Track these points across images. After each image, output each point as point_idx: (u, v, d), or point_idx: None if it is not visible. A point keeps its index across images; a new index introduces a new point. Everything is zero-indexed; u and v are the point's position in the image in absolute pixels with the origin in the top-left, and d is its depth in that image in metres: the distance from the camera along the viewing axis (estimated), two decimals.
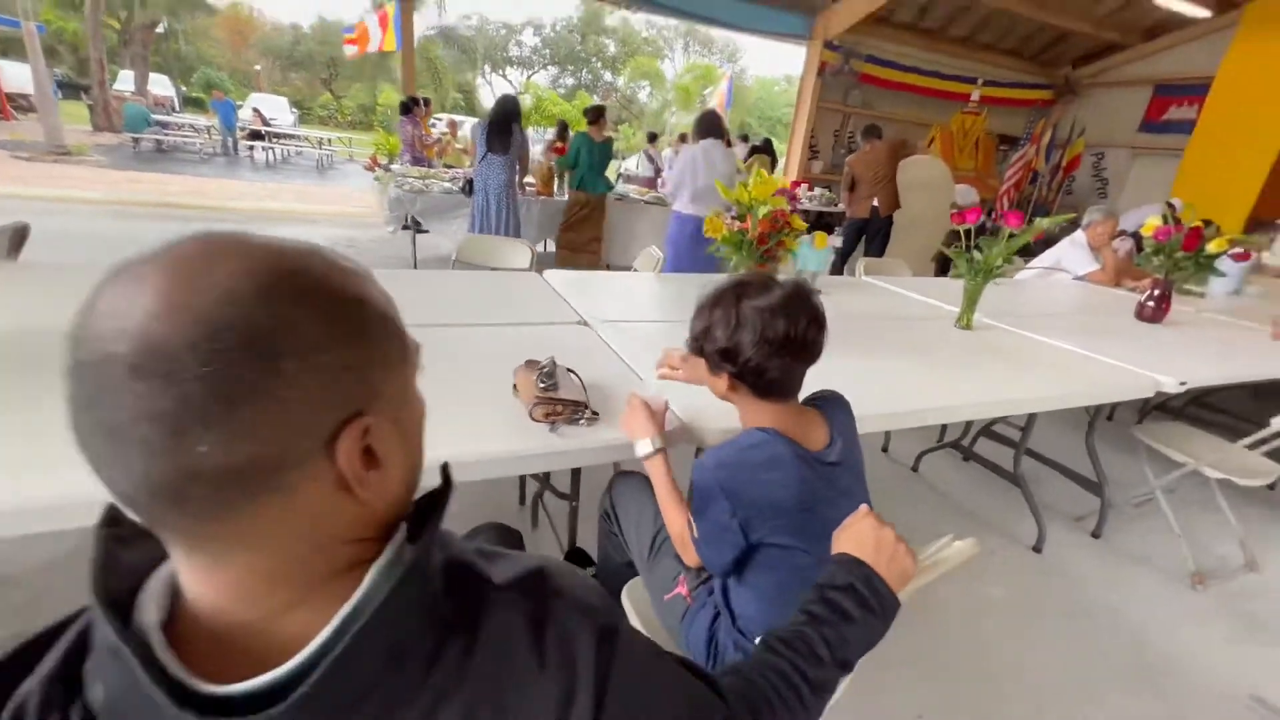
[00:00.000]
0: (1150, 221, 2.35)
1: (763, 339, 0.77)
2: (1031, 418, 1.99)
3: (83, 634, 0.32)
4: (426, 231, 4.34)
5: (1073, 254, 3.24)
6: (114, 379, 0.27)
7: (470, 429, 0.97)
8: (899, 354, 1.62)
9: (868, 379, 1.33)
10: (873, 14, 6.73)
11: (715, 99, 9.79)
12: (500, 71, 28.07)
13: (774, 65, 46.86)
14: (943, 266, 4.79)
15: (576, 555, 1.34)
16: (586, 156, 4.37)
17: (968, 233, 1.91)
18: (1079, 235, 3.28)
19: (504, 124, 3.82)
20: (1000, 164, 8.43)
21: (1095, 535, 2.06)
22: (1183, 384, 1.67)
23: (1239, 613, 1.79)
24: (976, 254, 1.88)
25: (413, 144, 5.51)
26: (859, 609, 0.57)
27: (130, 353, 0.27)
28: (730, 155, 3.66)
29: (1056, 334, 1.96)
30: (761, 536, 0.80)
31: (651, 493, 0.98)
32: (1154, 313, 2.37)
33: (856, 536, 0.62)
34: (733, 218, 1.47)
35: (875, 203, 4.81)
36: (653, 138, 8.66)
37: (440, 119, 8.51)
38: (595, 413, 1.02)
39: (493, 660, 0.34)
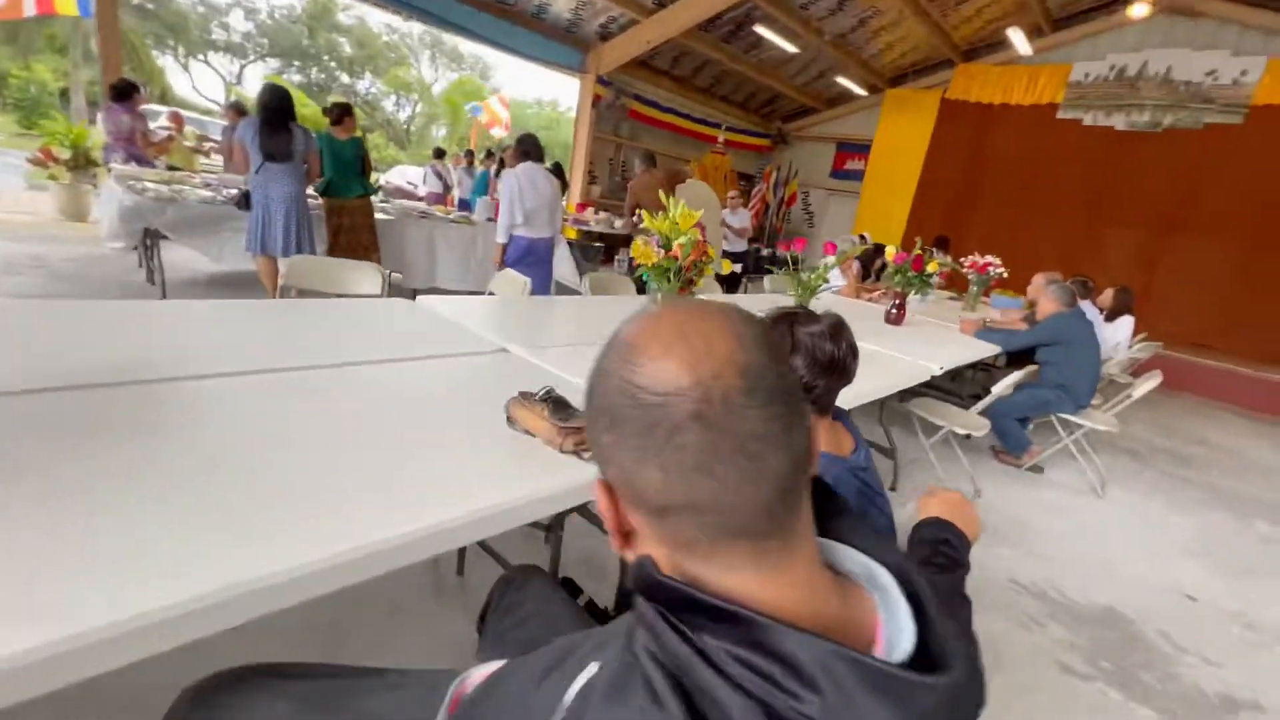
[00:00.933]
0: (889, 250, 3.14)
1: (814, 360, 0.91)
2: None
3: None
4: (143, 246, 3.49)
5: (831, 274, 4.09)
6: (735, 405, 0.33)
7: (490, 476, 0.90)
8: None
9: None
10: (636, 58, 7.48)
11: (486, 116, 9.71)
12: (201, 56, 23.44)
13: (525, 87, 47.83)
14: (728, 284, 5.55)
15: (569, 585, 1.30)
16: (331, 159, 3.77)
17: (794, 259, 2.34)
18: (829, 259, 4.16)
19: (278, 123, 3.26)
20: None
21: (893, 489, 2.69)
22: (941, 367, 2.30)
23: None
24: (803, 275, 2.31)
25: (130, 138, 4.34)
26: (954, 555, 0.74)
27: (740, 380, 0.33)
28: (552, 178, 3.75)
29: (874, 339, 2.51)
30: None
31: None
32: (897, 318, 3.17)
33: (943, 504, 0.80)
34: (658, 246, 1.59)
35: None
36: (439, 154, 8.25)
37: (156, 110, 6.85)
38: None
39: None
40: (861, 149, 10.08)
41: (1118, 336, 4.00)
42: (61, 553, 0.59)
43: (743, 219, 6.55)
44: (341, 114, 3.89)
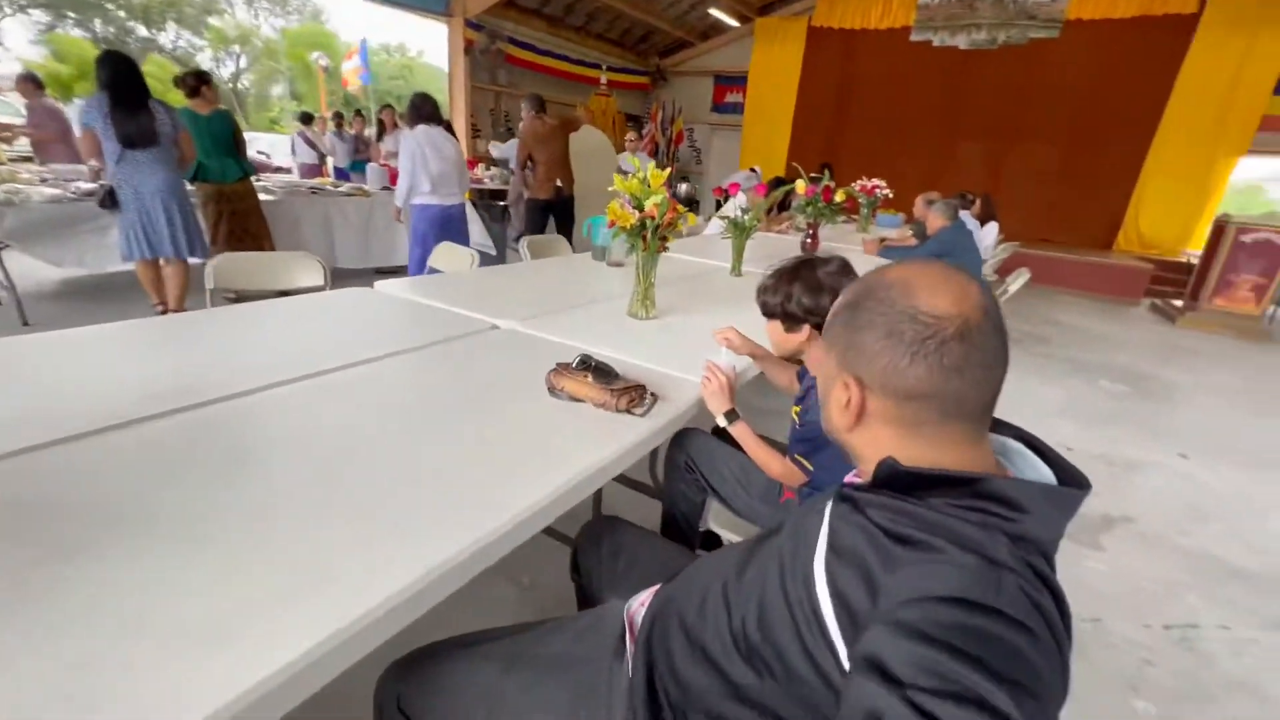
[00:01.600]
0: (799, 183, 3.37)
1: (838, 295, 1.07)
2: None
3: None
4: None
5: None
6: (984, 331, 0.48)
7: (557, 451, 0.98)
8: (715, 305, 2.07)
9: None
10: None
11: (351, 73, 8.82)
12: None
13: (371, 33, 42.96)
14: None
15: (711, 539, 1.40)
16: (199, 138, 3.32)
17: (725, 198, 2.49)
18: (742, 197, 4.35)
19: (134, 100, 2.78)
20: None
21: None
22: None
23: None
24: (743, 215, 2.46)
25: None
26: None
27: (984, 317, 0.49)
28: (452, 139, 3.58)
29: None
30: None
31: (717, 441, 1.20)
32: (812, 247, 3.44)
33: None
34: (634, 208, 1.64)
35: (559, 182, 4.69)
36: (307, 119, 7.39)
37: None
38: (654, 394, 1.14)
39: None
40: (739, 81, 10.27)
41: (987, 240, 4.59)
42: (290, 576, 0.62)
43: (639, 158, 6.43)
44: (198, 84, 3.41)
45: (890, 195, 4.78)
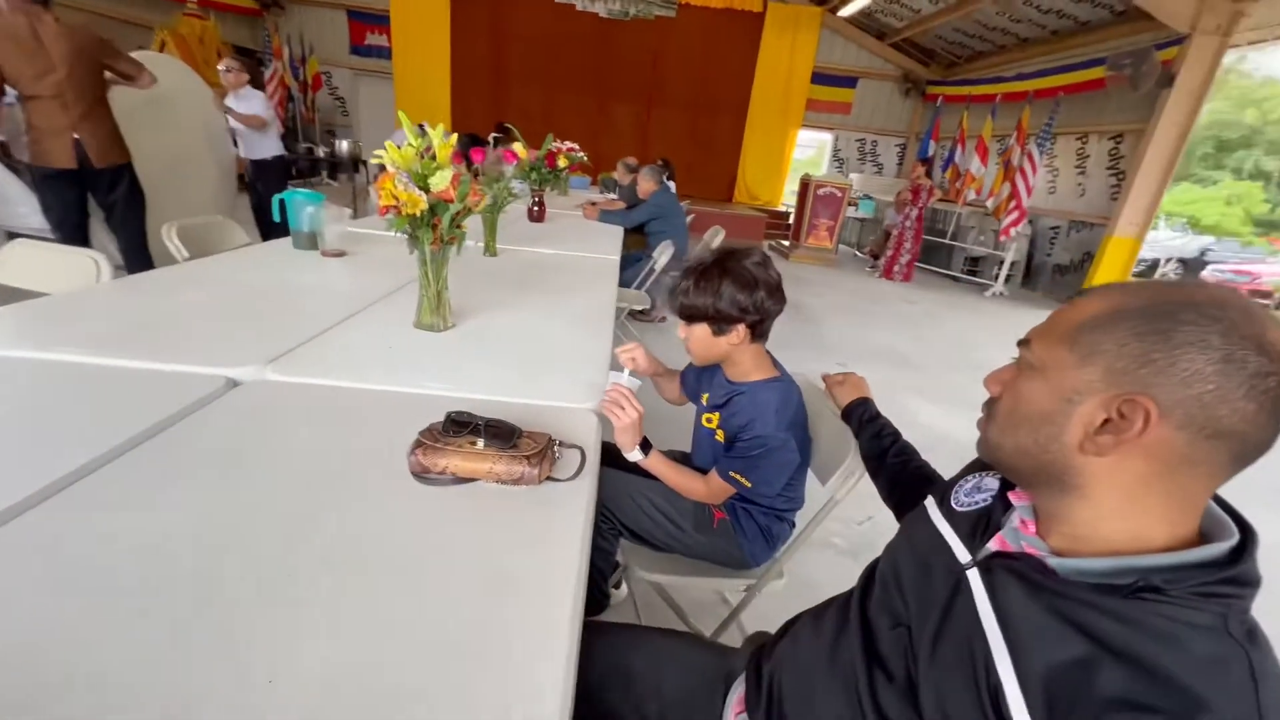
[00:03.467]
0: (518, 146, 3.12)
1: (771, 289, 0.96)
2: None
3: None
4: None
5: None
6: None
7: (503, 587, 0.68)
8: (506, 294, 1.79)
9: (553, 315, 1.52)
10: None
11: None
12: None
13: None
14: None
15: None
16: None
17: (475, 171, 2.13)
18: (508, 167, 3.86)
19: None
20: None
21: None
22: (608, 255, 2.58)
23: None
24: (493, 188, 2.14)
25: None
26: (884, 420, 0.99)
27: None
28: None
29: (542, 244, 2.53)
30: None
31: (623, 474, 1.01)
32: (539, 215, 3.28)
33: (855, 386, 1.01)
34: (417, 189, 1.18)
35: (77, 136, 2.62)
36: None
37: None
38: (561, 443, 0.88)
39: None
40: (380, 20, 9.03)
41: None
42: None
43: (254, 102, 4.22)
44: None
45: (585, 158, 4.89)
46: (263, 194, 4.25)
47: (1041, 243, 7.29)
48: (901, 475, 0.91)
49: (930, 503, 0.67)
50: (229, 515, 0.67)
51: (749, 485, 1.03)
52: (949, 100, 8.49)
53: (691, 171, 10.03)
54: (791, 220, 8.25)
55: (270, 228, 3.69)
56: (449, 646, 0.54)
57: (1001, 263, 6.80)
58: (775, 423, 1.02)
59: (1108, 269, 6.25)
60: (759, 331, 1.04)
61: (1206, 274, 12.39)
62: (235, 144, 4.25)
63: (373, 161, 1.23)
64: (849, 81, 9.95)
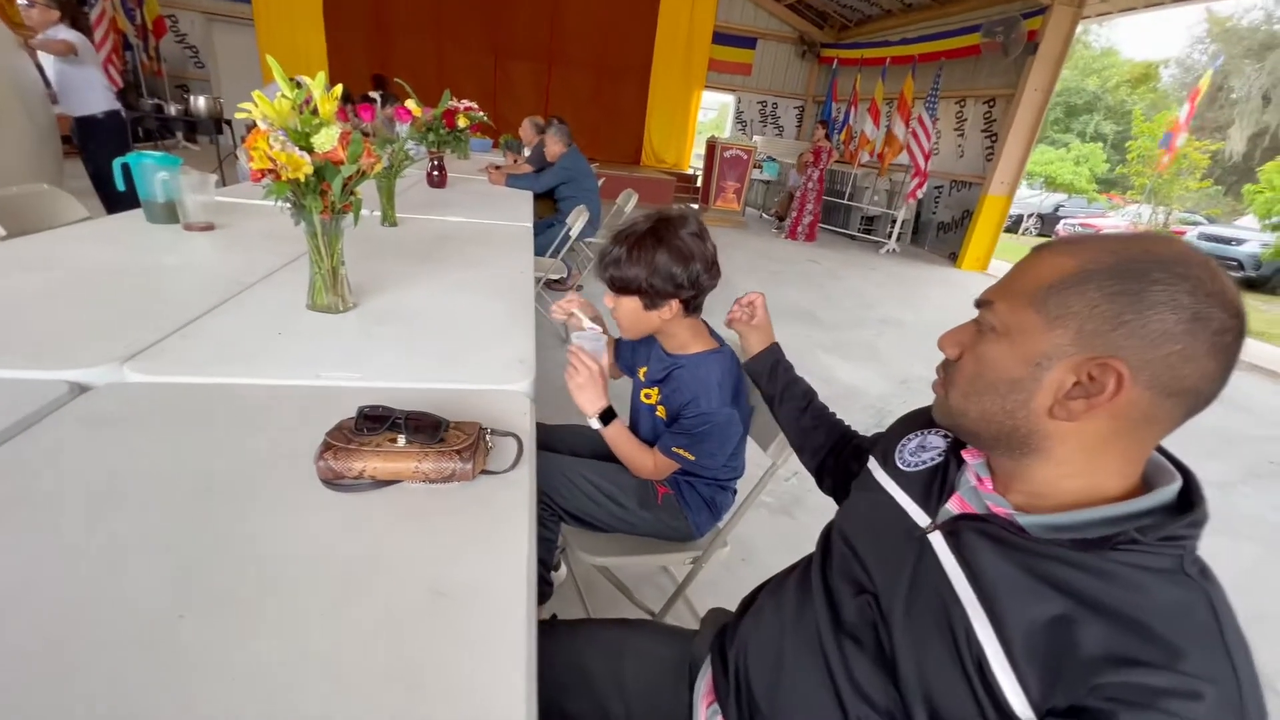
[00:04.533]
0: (411, 104, 2.85)
1: (709, 263, 0.90)
2: None
3: None
4: None
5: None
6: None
7: (452, 603, 0.61)
8: (415, 268, 1.64)
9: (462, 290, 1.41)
10: None
11: None
12: None
13: None
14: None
15: None
16: None
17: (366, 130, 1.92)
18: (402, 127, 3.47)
19: None
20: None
21: None
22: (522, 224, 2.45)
23: None
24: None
25: None
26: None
27: None
28: None
29: (447, 211, 2.35)
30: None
31: (559, 455, 0.94)
32: (440, 180, 3.04)
33: (764, 330, 1.00)
34: (298, 149, 1.00)
35: None
36: None
37: None
38: (491, 430, 0.80)
39: None
40: None
41: None
42: None
43: (66, 33, 3.42)
44: None
45: (485, 118, 4.59)
46: (98, 159, 3.62)
47: (927, 202, 7.81)
48: (821, 439, 0.91)
49: (874, 464, 0.67)
50: (87, 556, 0.55)
51: (693, 459, 1.00)
52: (844, 63, 8.77)
53: (598, 134, 9.76)
54: (700, 183, 8.29)
55: (115, 199, 3.18)
56: (384, 678, 0.47)
57: (894, 221, 7.23)
58: (719, 397, 0.99)
59: (984, 225, 6.82)
60: (692, 306, 1.00)
61: (1060, 228, 13.92)
62: (55, 100, 3.56)
63: (238, 117, 1.04)
64: (749, 42, 10.01)
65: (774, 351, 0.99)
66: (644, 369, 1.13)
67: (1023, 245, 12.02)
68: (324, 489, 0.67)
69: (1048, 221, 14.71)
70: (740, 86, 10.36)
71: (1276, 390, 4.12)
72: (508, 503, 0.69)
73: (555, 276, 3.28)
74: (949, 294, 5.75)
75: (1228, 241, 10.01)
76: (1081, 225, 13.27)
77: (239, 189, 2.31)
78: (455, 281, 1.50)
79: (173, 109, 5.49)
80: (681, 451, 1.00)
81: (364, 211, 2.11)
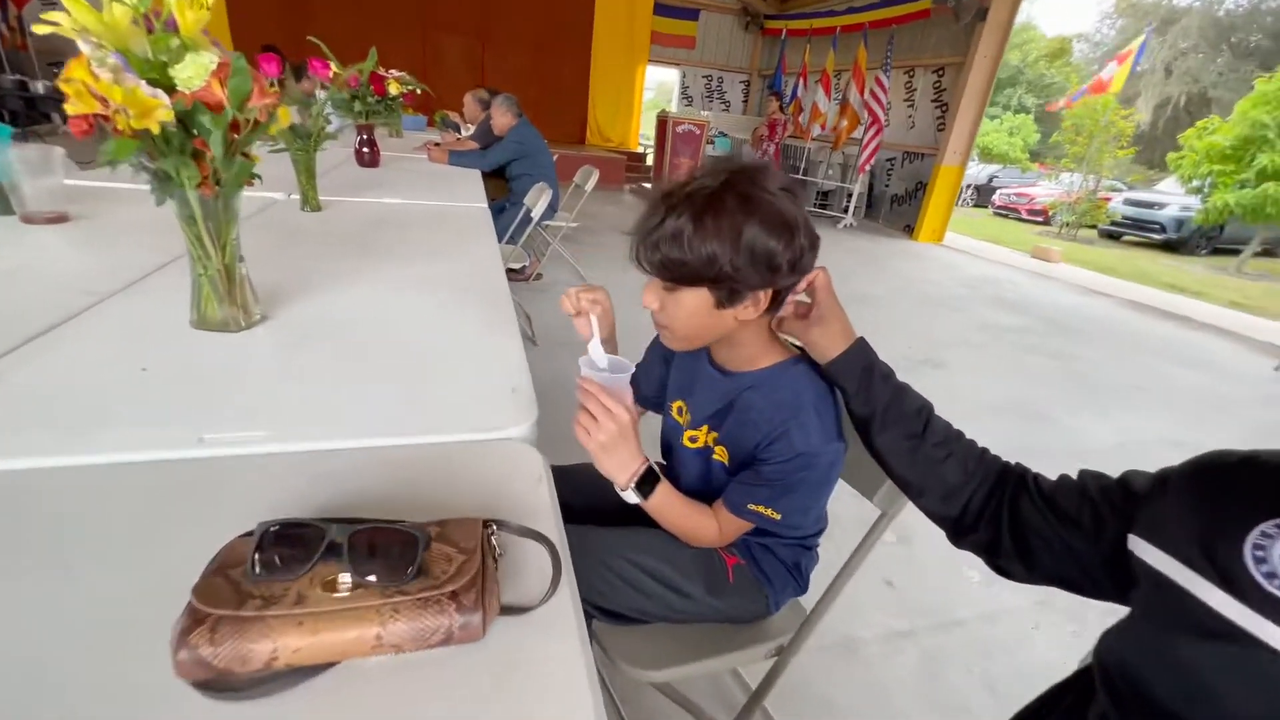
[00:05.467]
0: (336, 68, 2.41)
1: (813, 234, 0.62)
2: None
3: None
4: None
5: None
6: None
7: None
8: (337, 267, 1.28)
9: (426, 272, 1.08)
10: None
11: None
12: None
13: None
14: None
15: None
16: None
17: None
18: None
19: None
20: None
21: None
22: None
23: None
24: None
25: None
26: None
27: None
28: None
29: (383, 193, 1.97)
30: None
31: (595, 529, 0.65)
32: (371, 158, 2.61)
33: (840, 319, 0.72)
34: (145, 84, 0.63)
35: None
36: None
37: None
38: (496, 523, 0.49)
39: None
40: None
41: None
42: None
43: None
44: None
45: (419, 90, 4.11)
46: None
47: (880, 174, 7.76)
48: (957, 477, 0.64)
49: (1193, 578, 0.39)
50: None
51: (779, 519, 0.71)
52: (792, 34, 8.57)
53: (539, 112, 9.21)
54: (651, 161, 7.95)
55: None
56: None
57: (850, 195, 7.13)
58: (820, 429, 0.69)
59: (939, 197, 6.80)
60: (779, 301, 0.69)
61: (995, 198, 14.36)
62: None
63: (38, 31, 0.66)
64: (691, 14, 9.67)
65: (863, 351, 0.70)
66: (680, 403, 0.83)
67: (971, 217, 12.31)
68: (197, 698, 0.35)
69: (983, 192, 15.15)
70: (685, 60, 10.03)
71: (1235, 348, 4.21)
72: (549, 665, 0.39)
73: (515, 265, 2.92)
74: (913, 266, 5.69)
75: (1150, 206, 10.50)
76: (1016, 194, 13.72)
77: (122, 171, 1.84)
78: (404, 278, 1.16)
79: (39, 87, 4.68)
80: (762, 509, 0.71)
81: (278, 194, 1.71)
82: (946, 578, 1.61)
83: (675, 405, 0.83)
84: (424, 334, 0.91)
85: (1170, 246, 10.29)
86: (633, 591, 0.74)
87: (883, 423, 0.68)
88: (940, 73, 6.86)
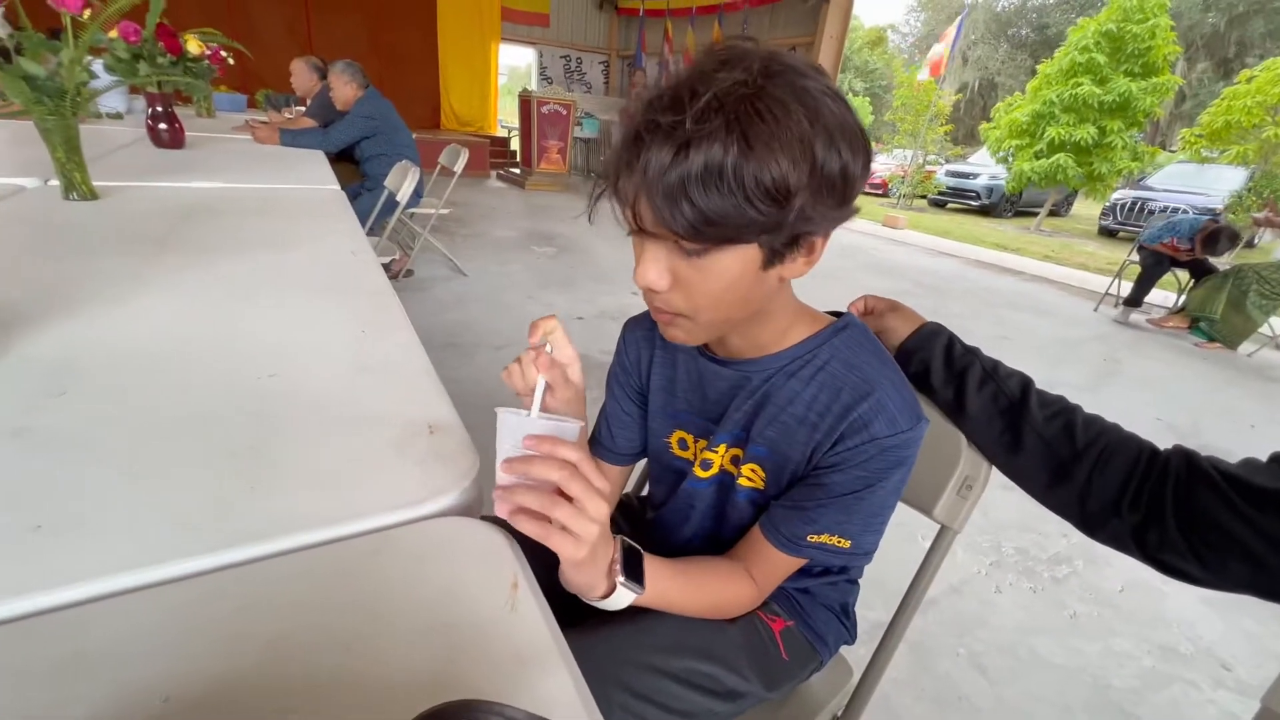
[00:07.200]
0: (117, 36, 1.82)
1: (869, 148, 0.41)
2: None
3: None
4: None
5: None
6: None
7: None
8: (137, 256, 0.89)
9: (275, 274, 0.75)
10: None
11: None
12: None
13: None
14: None
15: None
16: None
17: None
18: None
19: None
20: None
21: None
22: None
23: None
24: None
25: None
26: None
27: None
28: None
29: (192, 176, 1.50)
30: None
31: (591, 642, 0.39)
32: (172, 137, 2.04)
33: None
34: None
35: None
36: None
37: None
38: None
39: None
40: None
41: None
42: None
43: None
44: None
45: (227, 54, 3.39)
46: None
47: None
48: (1065, 450, 0.52)
49: None
50: None
51: (847, 546, 0.51)
52: (650, 14, 8.47)
53: (386, 91, 8.33)
54: (518, 145, 7.49)
55: None
56: None
57: None
58: (903, 404, 0.49)
59: None
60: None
61: None
62: None
63: None
64: None
65: (935, 329, 0.63)
66: (680, 433, 0.60)
67: None
68: None
69: None
70: (540, 39, 9.57)
71: (1061, 295, 4.79)
72: None
73: (383, 260, 2.48)
74: None
75: (967, 176, 11.93)
76: None
77: None
78: (231, 282, 0.80)
79: None
80: (828, 539, 0.50)
81: (27, 180, 1.26)
82: (903, 549, 1.55)
83: (675, 439, 0.59)
84: (267, 359, 0.59)
85: (984, 211, 11.78)
86: (665, 715, 0.50)
87: (979, 387, 0.57)
88: (793, 51, 7.13)
